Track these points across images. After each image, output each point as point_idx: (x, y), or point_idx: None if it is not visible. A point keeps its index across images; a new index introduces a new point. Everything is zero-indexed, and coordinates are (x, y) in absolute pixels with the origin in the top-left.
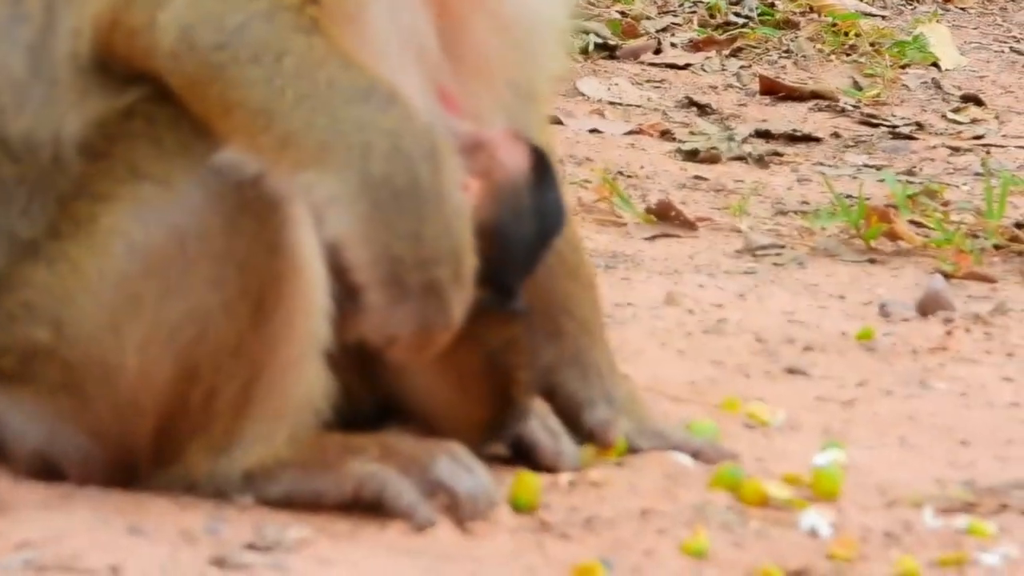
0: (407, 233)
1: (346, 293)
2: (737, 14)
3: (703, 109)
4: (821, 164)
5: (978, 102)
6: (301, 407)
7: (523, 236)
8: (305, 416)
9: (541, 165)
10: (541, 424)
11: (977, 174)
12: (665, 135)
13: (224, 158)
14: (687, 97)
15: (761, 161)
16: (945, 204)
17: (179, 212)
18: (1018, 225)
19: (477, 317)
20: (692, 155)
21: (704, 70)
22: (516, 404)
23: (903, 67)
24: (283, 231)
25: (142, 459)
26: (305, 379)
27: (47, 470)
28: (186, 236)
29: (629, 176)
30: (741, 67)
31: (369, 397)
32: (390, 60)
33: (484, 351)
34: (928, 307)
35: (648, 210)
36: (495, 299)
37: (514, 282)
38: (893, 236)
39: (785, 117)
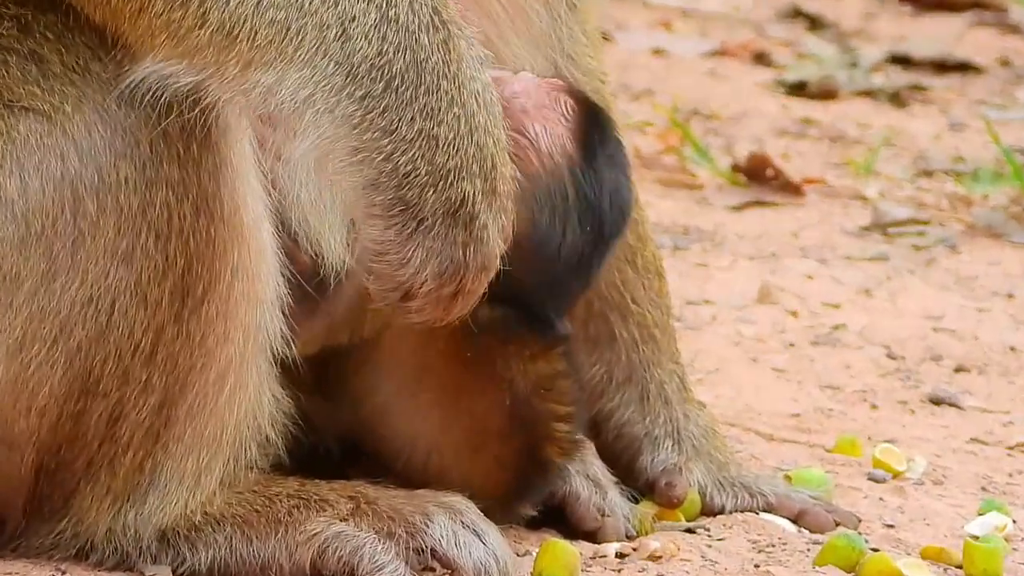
0: (416, 135)
1: (305, 274)
2: None
3: (814, 22)
4: (983, 103)
5: None
6: (242, 436)
7: (569, 243)
8: (247, 450)
9: (595, 129)
10: (580, 471)
11: None
12: (760, 59)
13: (137, 77)
14: (792, 3)
15: (897, 98)
16: None
17: (72, 158)
18: None
19: (501, 346)
20: (798, 88)
21: None
22: (550, 468)
23: None
24: (218, 181)
25: (15, 510)
26: (248, 395)
27: None
28: (82, 192)
29: (708, 117)
30: None
31: (338, 428)
32: None
33: (509, 395)
34: None
35: (735, 167)
36: (528, 324)
37: (556, 306)
38: None
39: (932, 35)
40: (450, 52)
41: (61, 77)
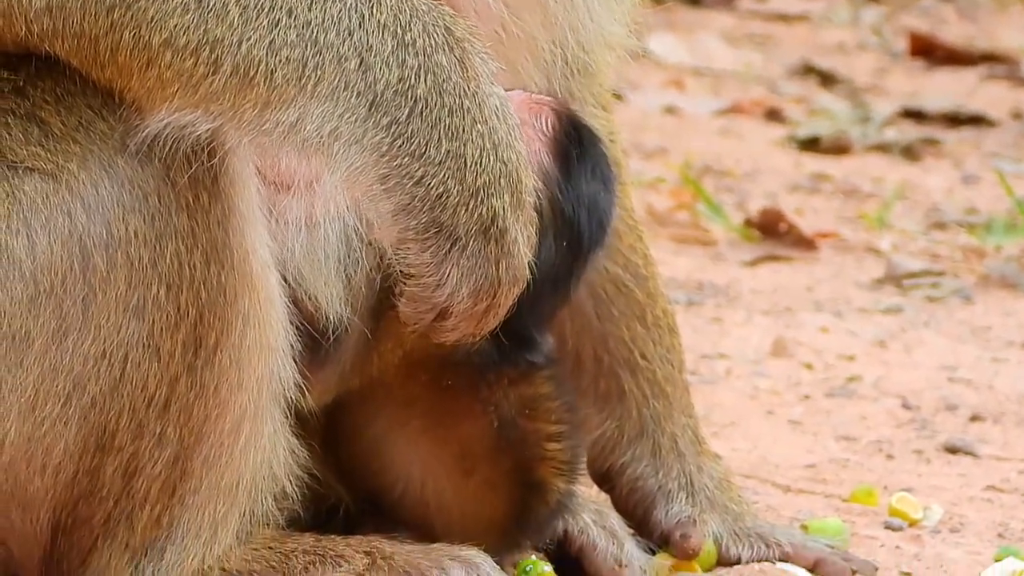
0: (444, 156)
1: (312, 324)
2: None
3: (827, 78)
4: (996, 156)
5: None
6: (258, 487)
7: (544, 260)
8: (263, 502)
9: (573, 143)
10: (596, 522)
11: None
12: (772, 116)
13: (152, 130)
14: (803, 61)
15: (910, 152)
16: None
17: (79, 215)
18: None
19: (483, 371)
20: (811, 144)
21: (829, 22)
22: (547, 490)
23: None
24: (227, 229)
25: (32, 569)
26: (263, 444)
27: None
28: (90, 248)
29: (721, 174)
30: (882, 17)
31: (349, 477)
32: None
33: (495, 417)
34: None
35: (748, 222)
36: (507, 346)
37: (534, 323)
38: None
39: (944, 89)
40: (467, 70)
41: (64, 137)
